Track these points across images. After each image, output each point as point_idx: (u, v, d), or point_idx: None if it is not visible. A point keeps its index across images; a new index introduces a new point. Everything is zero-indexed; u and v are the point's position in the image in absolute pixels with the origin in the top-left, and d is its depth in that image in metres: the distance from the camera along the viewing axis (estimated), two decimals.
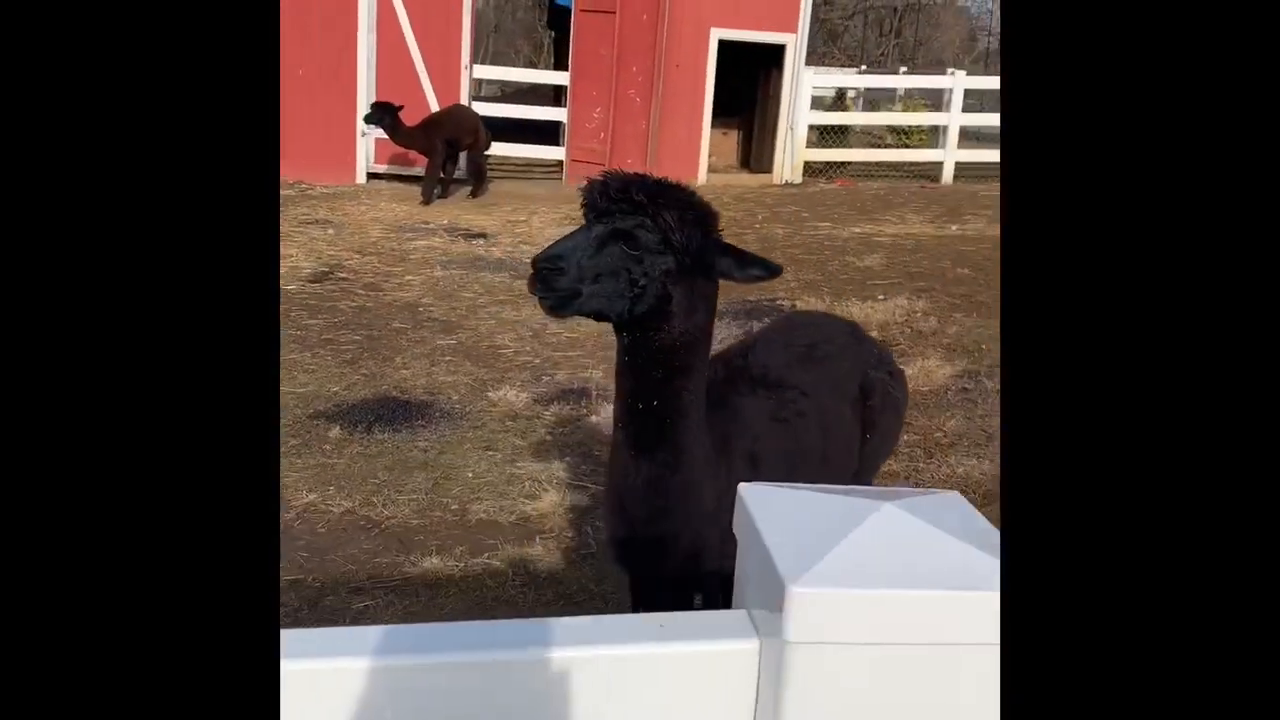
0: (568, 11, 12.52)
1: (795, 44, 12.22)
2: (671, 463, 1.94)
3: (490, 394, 4.89)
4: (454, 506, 3.72)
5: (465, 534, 3.52)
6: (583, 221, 1.91)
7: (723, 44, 12.12)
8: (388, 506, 3.67)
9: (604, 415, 4.56)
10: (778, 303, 6.54)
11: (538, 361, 5.48)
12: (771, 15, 12.10)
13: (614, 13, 11.50)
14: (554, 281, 1.83)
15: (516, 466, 4.06)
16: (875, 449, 2.45)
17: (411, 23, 11.42)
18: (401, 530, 3.54)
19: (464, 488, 3.87)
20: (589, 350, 5.69)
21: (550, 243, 1.90)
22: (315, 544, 3.42)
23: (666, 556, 2.03)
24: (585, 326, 6.11)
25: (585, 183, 1.91)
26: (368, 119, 10.05)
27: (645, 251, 1.82)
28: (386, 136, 10.41)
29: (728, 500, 2.02)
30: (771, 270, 1.83)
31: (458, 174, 11.04)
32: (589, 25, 11.74)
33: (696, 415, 1.94)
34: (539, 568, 3.30)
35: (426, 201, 10.39)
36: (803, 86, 12.33)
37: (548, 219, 9.86)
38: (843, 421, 2.28)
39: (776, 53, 12.49)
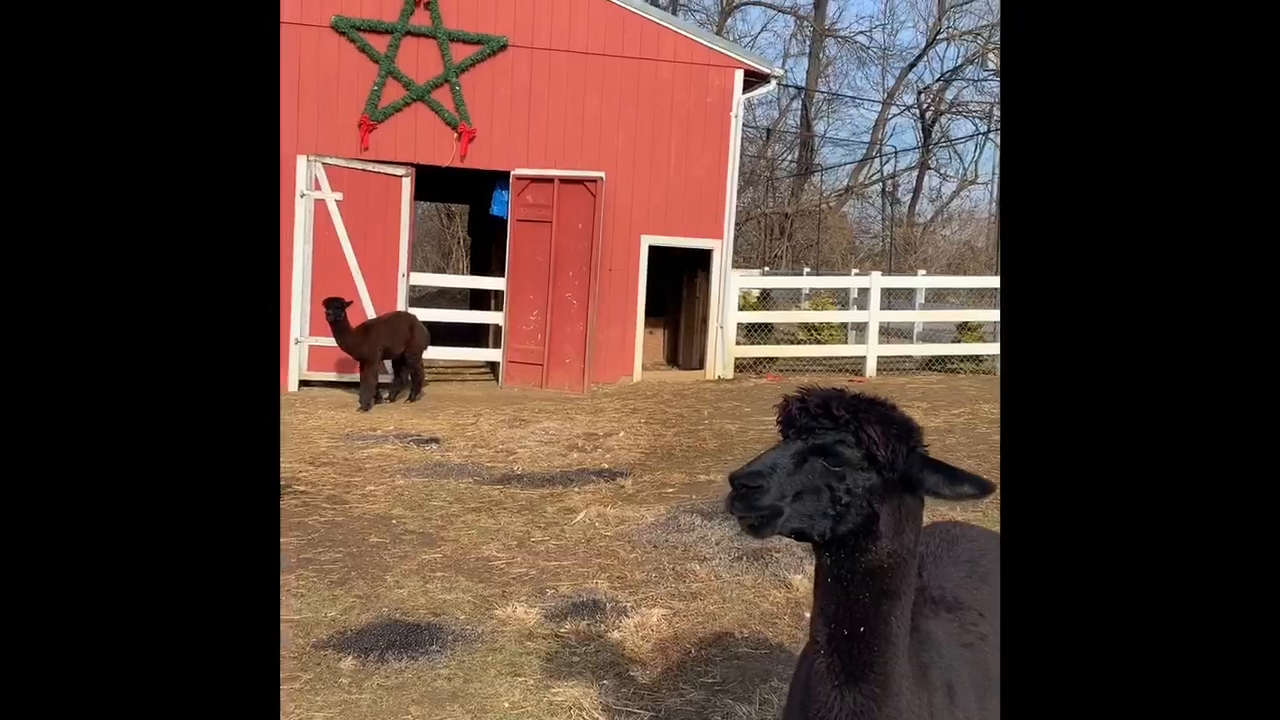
0: (497, 219, 12.91)
1: (721, 249, 12.81)
2: (879, 695, 1.82)
3: (497, 612, 4.62)
4: None
5: None
6: (780, 440, 1.86)
7: (651, 249, 12.62)
8: None
9: (624, 631, 4.35)
10: None
11: (534, 574, 5.24)
12: (699, 223, 12.73)
13: (550, 222, 11.90)
14: (755, 500, 1.76)
15: (553, 693, 3.79)
16: None
17: (349, 231, 11.55)
18: None
19: None
20: (582, 559, 5.49)
21: (750, 463, 1.83)
22: None
23: None
24: (569, 535, 5.93)
25: (783, 400, 1.88)
26: (329, 309, 9.94)
27: (848, 467, 1.77)
28: (330, 340, 10.33)
29: None
30: (984, 488, 1.79)
31: (384, 378, 10.95)
32: (525, 233, 12.09)
33: (903, 643, 1.84)
34: None
35: (365, 408, 10.19)
36: (730, 287, 12.84)
37: (495, 420, 9.75)
38: None
39: (702, 256, 13.05)
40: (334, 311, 9.90)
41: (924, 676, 1.93)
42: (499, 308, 12.84)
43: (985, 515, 6.30)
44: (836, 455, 1.78)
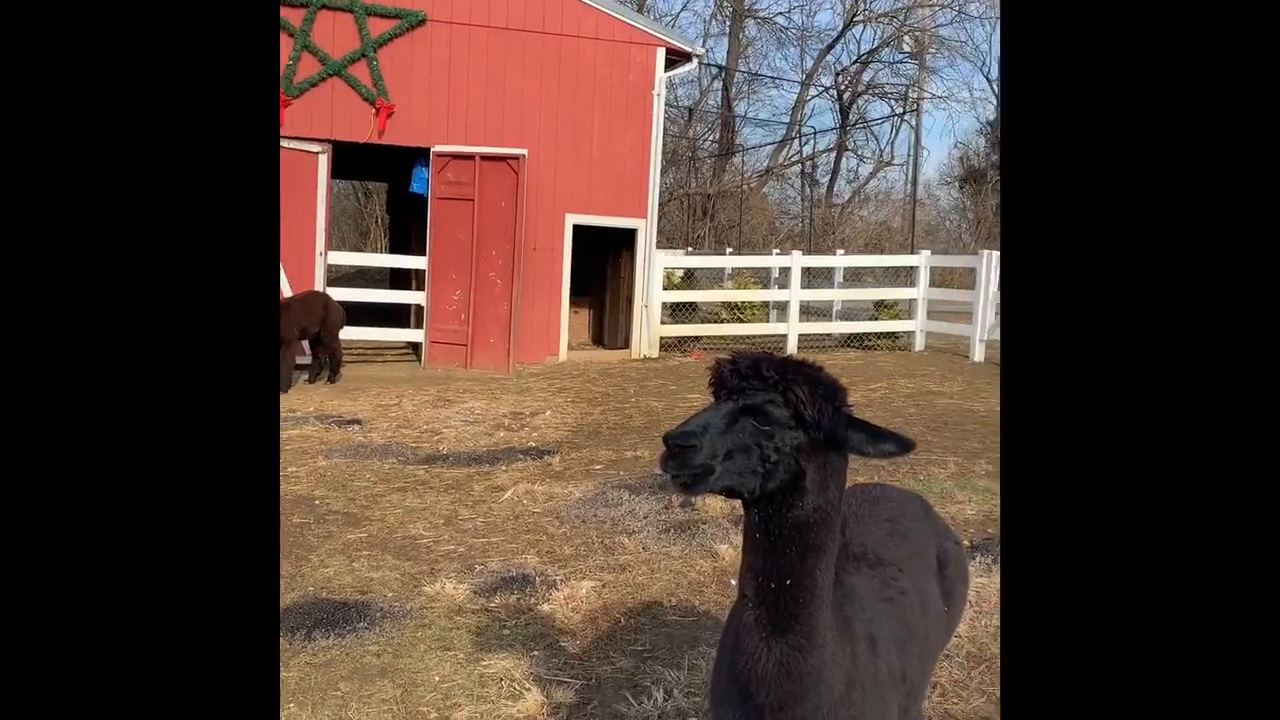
0: (417, 198, 12.72)
1: (646, 228, 12.85)
2: (804, 645, 1.88)
3: (426, 589, 4.61)
4: (432, 715, 3.42)
5: None
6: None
7: (576, 228, 12.60)
8: None
9: (554, 603, 4.39)
10: None
11: (462, 550, 5.24)
12: (623, 202, 12.74)
13: (472, 200, 11.77)
14: (688, 459, 1.81)
15: (484, 665, 3.80)
16: (951, 620, 2.47)
17: None
18: None
19: (436, 693, 3.58)
20: (510, 535, 5.50)
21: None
22: None
23: None
24: (497, 513, 5.93)
25: (715, 363, 1.92)
26: None
27: (776, 426, 1.83)
28: None
29: (855, 687, 1.98)
30: (904, 445, 1.87)
31: (301, 360, 10.75)
32: (447, 211, 11.94)
33: (827, 595, 1.91)
34: None
35: (284, 389, 9.99)
36: (655, 267, 12.89)
37: (419, 401, 9.66)
38: (932, 597, 2.30)
39: (626, 236, 13.07)
40: None
41: (847, 628, 2.00)
42: (420, 287, 12.68)
43: (928, 484, 6.47)
44: (766, 414, 1.83)
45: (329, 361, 10.78)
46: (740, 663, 1.94)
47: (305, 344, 10.68)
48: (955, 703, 3.40)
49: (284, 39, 11.22)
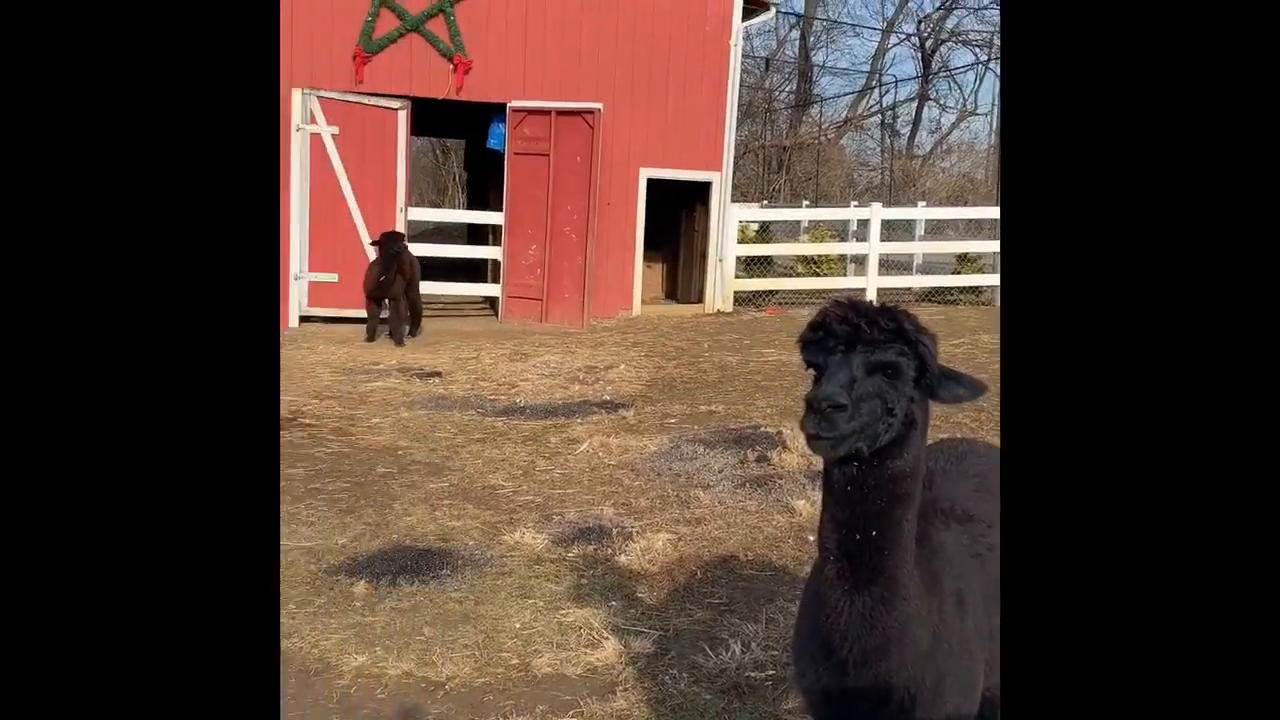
0: (494, 154, 12.77)
1: (720, 181, 12.72)
2: (888, 597, 1.86)
3: (505, 537, 4.70)
4: (514, 661, 3.50)
5: (536, 690, 3.30)
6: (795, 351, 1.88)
7: (650, 182, 12.52)
8: (445, 665, 3.43)
9: (630, 555, 4.43)
10: (762, 430, 6.56)
11: (540, 500, 5.32)
12: (697, 156, 12.62)
13: (547, 155, 11.78)
14: (838, 421, 1.72)
15: (562, 614, 3.87)
16: None
17: (346, 168, 11.44)
18: (468, 691, 3.29)
19: (516, 639, 3.65)
20: (586, 487, 5.56)
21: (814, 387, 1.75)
22: (381, 713, 3.15)
23: (880, 702, 1.93)
24: (573, 464, 6.00)
25: (823, 313, 1.85)
26: (393, 244, 9.97)
27: (902, 380, 1.79)
28: (329, 276, 10.28)
29: (941, 643, 1.96)
30: (976, 389, 1.85)
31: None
32: (523, 167, 11.98)
33: (911, 547, 1.88)
34: None
35: (400, 341, 10.19)
36: (729, 220, 12.77)
37: (496, 355, 9.78)
38: None
39: (700, 189, 12.96)
40: (397, 246, 9.93)
41: (935, 584, 1.98)
42: (496, 243, 12.77)
43: None
44: (897, 369, 1.78)
45: (410, 315, 10.95)
46: (822, 616, 1.93)
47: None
48: None
49: None
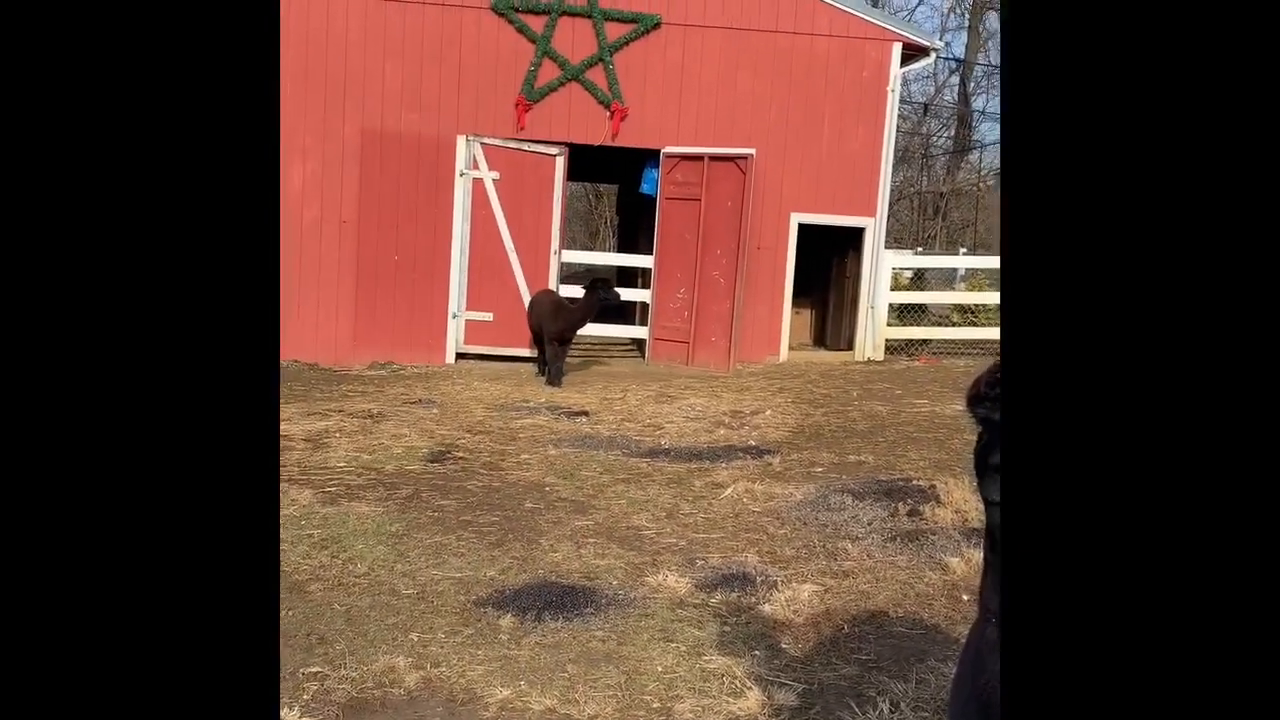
0: (645, 198, 12.99)
1: (874, 227, 12.53)
2: None
3: (649, 579, 4.69)
4: (655, 705, 3.48)
5: None
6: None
7: (801, 227, 12.45)
8: (588, 704, 3.44)
9: (775, 604, 4.35)
10: (913, 483, 6.35)
11: (683, 544, 5.30)
12: (850, 201, 12.47)
13: (699, 199, 11.90)
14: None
15: (705, 660, 3.83)
16: None
17: (504, 209, 11.86)
18: None
19: (658, 683, 3.63)
20: (730, 532, 5.50)
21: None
22: None
23: None
24: (717, 509, 5.95)
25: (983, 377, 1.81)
26: (601, 290, 10.37)
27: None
28: (484, 314, 10.59)
29: None
30: None
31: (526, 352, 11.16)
32: (674, 211, 12.13)
33: None
34: None
35: (557, 383, 10.33)
36: (883, 267, 12.54)
37: (642, 396, 9.86)
38: None
39: (853, 235, 12.79)
40: (607, 292, 10.33)
41: None
42: (646, 285, 12.93)
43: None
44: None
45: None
46: (981, 682, 1.83)
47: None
48: None
49: (526, 45, 11.77)
